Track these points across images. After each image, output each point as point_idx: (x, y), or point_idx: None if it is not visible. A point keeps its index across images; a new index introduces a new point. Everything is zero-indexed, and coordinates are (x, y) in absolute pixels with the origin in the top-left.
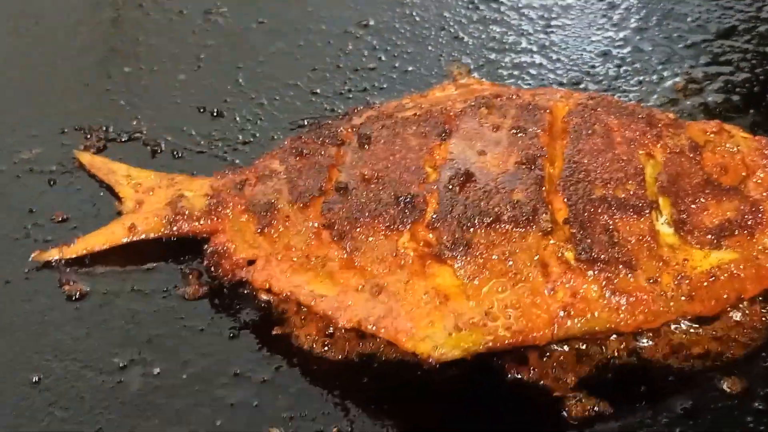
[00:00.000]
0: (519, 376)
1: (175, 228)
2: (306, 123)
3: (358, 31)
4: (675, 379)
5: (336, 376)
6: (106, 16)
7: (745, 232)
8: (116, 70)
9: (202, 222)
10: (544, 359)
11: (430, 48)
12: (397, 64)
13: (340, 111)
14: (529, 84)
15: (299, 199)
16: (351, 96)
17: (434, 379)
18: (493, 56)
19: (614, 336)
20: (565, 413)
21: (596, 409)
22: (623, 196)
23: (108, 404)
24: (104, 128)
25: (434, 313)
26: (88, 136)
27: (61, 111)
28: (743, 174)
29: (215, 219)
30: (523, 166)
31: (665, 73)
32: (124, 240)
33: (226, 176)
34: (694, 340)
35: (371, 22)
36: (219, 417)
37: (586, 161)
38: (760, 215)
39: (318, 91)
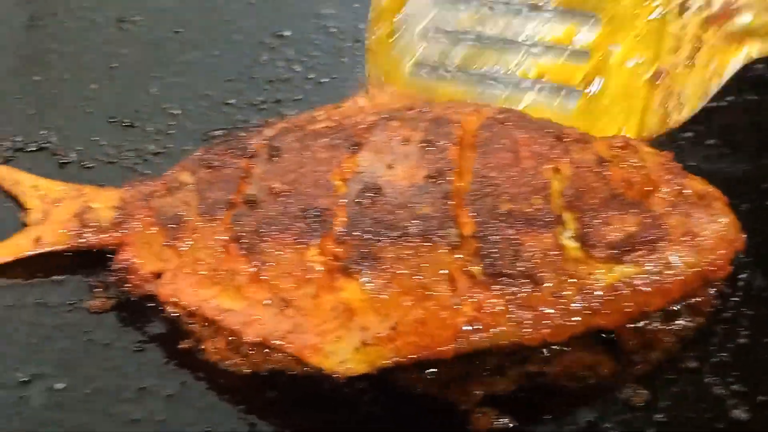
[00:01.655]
0: (426, 389)
1: (82, 240)
2: (218, 134)
3: (273, 41)
4: (580, 393)
5: (243, 390)
6: (17, 22)
7: (648, 247)
8: (26, 78)
9: (109, 234)
10: (451, 373)
11: (345, 60)
12: (312, 76)
13: (253, 122)
14: None
15: (208, 212)
16: (265, 107)
17: (342, 392)
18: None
19: (521, 350)
20: (470, 427)
21: (501, 422)
22: (529, 210)
23: (8, 421)
24: (12, 137)
25: (341, 328)
26: None
27: None
28: (648, 189)
29: (123, 231)
30: (432, 180)
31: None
32: (30, 252)
33: (134, 188)
34: (601, 353)
35: (287, 33)
36: None
37: (493, 175)
38: (662, 230)
39: (232, 102)
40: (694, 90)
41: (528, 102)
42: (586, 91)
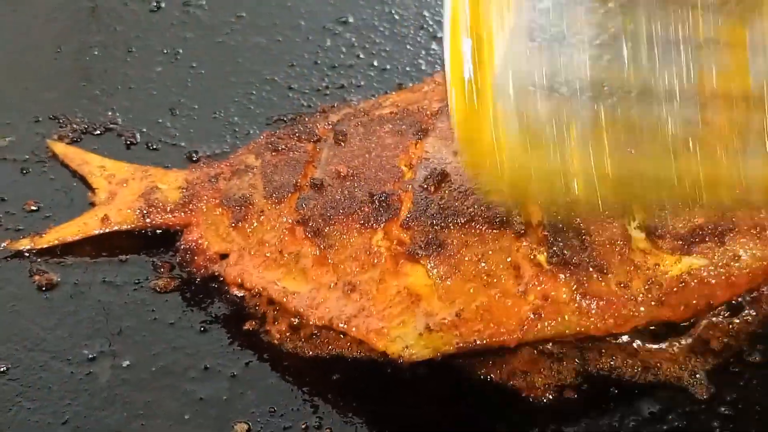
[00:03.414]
0: (489, 376)
1: (148, 220)
2: (282, 119)
3: (336, 27)
4: (644, 384)
5: (306, 372)
6: (83, 5)
7: (716, 238)
8: (93, 60)
9: (175, 215)
10: (515, 360)
11: (408, 47)
12: (375, 62)
13: (317, 107)
14: None
15: (274, 195)
16: (328, 93)
17: (404, 377)
18: None
19: (585, 340)
20: (533, 414)
21: (564, 410)
22: None
23: (76, 395)
24: (79, 118)
25: (406, 313)
26: (63, 126)
27: (36, 100)
28: None
29: (189, 212)
30: None
31: None
32: (97, 231)
33: (200, 169)
34: (665, 345)
35: (350, 20)
36: (187, 411)
37: None
38: (730, 223)
39: (295, 87)
40: None
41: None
42: None
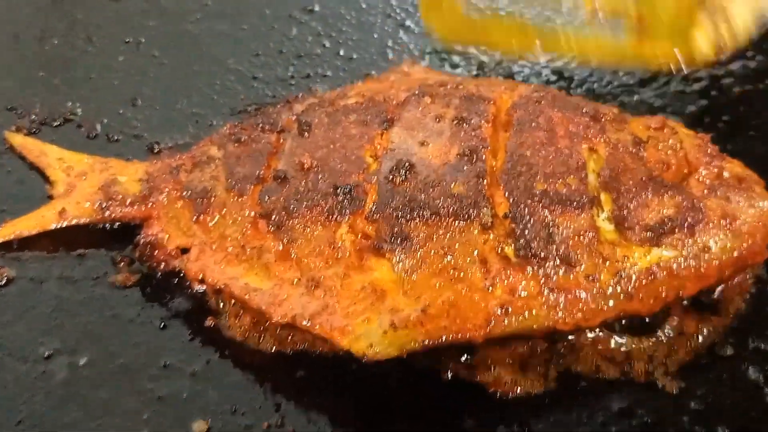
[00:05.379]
0: (456, 372)
1: (107, 213)
2: (246, 109)
3: (302, 16)
4: (613, 379)
5: (269, 369)
6: None
7: (686, 230)
8: (52, 49)
9: (135, 208)
10: (482, 356)
11: (375, 35)
12: (341, 51)
13: (282, 97)
14: (474, 74)
15: (236, 187)
16: (294, 83)
17: (369, 373)
18: (438, 45)
19: (553, 335)
20: (500, 410)
21: (533, 406)
22: (564, 191)
23: (31, 394)
24: (37, 109)
25: (370, 310)
26: (21, 117)
27: None
28: (685, 171)
29: (149, 205)
30: (465, 158)
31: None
32: (54, 225)
33: (161, 161)
34: (635, 339)
35: (316, 8)
36: (146, 410)
37: (528, 154)
38: (700, 213)
39: (260, 76)
40: (743, 9)
41: (584, 34)
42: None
